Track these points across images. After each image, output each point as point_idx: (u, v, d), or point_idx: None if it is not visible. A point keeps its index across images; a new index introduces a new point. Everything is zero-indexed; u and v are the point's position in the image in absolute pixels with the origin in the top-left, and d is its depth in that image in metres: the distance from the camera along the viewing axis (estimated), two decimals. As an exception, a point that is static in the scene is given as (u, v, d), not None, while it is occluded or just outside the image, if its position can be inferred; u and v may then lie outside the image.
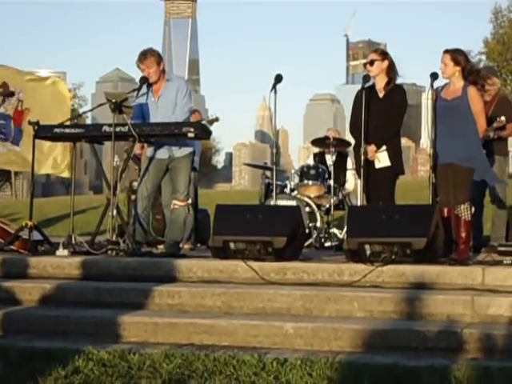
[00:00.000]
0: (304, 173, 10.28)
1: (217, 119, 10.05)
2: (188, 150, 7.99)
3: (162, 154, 7.97)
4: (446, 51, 7.44)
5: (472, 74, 7.41)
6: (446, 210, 7.33)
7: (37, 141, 8.19)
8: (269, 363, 4.69)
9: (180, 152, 7.95)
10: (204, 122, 9.14)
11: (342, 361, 4.79)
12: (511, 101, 9.45)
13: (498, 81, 9.31)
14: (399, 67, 8.09)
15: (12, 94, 9.71)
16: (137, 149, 8.10)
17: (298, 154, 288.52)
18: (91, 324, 5.79)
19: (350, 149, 9.52)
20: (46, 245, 8.04)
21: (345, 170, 10.70)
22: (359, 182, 8.09)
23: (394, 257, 6.48)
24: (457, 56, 7.39)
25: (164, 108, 7.94)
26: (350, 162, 10.58)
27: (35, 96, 9.90)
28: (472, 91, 7.34)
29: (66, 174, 10.36)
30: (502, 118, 8.58)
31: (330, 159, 10.09)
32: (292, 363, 4.69)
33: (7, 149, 9.91)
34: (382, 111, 7.90)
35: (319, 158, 10.76)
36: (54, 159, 9.94)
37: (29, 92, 9.90)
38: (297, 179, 10.39)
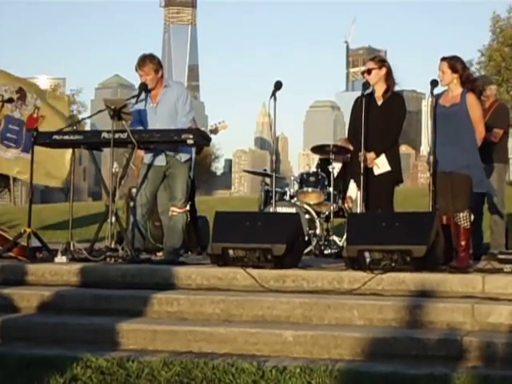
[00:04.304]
0: (304, 180, 10.25)
1: (224, 127, 9.87)
2: (185, 156, 7.97)
3: (160, 160, 7.96)
4: (444, 59, 7.44)
5: (468, 83, 7.41)
6: (445, 218, 7.32)
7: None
8: (268, 371, 4.67)
9: (177, 158, 7.93)
10: (208, 130, 9.07)
11: (342, 369, 4.78)
12: (509, 109, 9.43)
13: (494, 87, 9.30)
14: (398, 74, 8.11)
15: (23, 98, 9.63)
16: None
17: (298, 160, 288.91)
18: (90, 331, 5.77)
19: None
20: (45, 252, 8.01)
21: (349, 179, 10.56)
22: (359, 192, 8.03)
23: (393, 264, 6.46)
24: (454, 63, 7.38)
25: (163, 114, 7.92)
26: None
27: (51, 106, 9.86)
28: (471, 98, 7.33)
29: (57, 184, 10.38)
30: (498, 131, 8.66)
31: (331, 167, 10.03)
32: (291, 371, 4.67)
33: (15, 156, 9.79)
34: (380, 119, 7.89)
35: (323, 165, 10.64)
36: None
37: (45, 101, 9.86)
38: (296, 186, 10.36)
